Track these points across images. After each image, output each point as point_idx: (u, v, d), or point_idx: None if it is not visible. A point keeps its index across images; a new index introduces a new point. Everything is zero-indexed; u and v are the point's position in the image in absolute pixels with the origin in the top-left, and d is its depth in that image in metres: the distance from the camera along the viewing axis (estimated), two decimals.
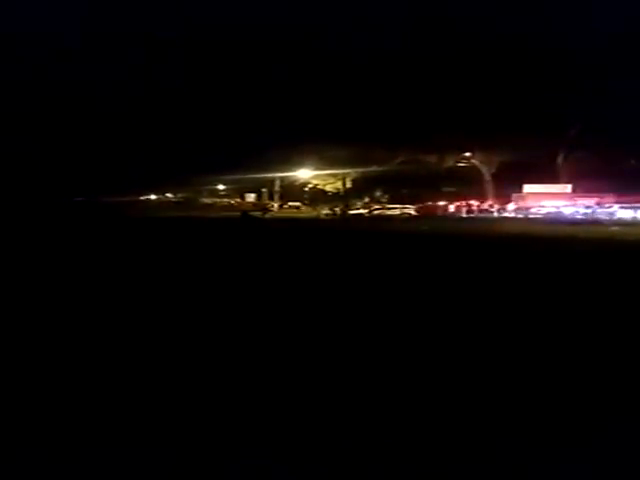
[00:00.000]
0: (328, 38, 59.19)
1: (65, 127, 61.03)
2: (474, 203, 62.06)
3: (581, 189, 59.63)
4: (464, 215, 58.40)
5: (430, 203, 62.97)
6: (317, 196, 73.60)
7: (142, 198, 76.30)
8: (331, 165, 67.50)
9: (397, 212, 60.44)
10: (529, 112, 56.41)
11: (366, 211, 64.21)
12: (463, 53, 57.76)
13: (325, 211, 63.44)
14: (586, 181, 56.96)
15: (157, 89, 60.94)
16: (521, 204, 61.21)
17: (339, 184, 73.79)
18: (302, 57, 59.72)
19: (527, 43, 56.73)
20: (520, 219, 52.77)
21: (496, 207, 61.37)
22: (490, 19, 57.45)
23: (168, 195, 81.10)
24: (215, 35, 59.40)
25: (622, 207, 53.09)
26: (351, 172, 70.44)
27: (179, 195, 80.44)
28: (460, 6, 59.49)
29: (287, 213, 67.23)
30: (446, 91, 57.82)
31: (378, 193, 72.58)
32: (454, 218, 56.39)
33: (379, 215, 59.91)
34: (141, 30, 60.29)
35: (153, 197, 79.55)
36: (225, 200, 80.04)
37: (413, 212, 60.60)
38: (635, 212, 51.15)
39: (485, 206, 61.80)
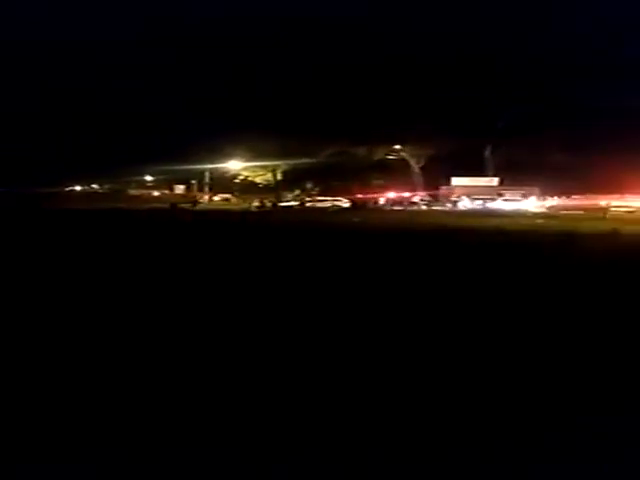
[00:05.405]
0: (258, 29, 58.79)
1: None
2: (404, 195, 63.05)
3: (509, 181, 61.47)
4: (395, 207, 59.11)
5: (360, 195, 63.47)
6: (247, 188, 73.15)
7: (67, 189, 74.06)
8: (261, 157, 67.15)
9: (328, 204, 60.65)
10: (458, 106, 57.56)
11: (297, 203, 64.20)
12: (393, 49, 58.42)
13: (255, 203, 63.04)
14: (514, 174, 58.74)
15: (84, 77, 59.31)
16: (447, 197, 62.84)
17: (269, 176, 73.56)
18: (232, 47, 59.16)
19: (456, 40, 57.94)
20: (446, 211, 53.93)
21: (424, 199, 62.53)
22: (419, 17, 58.43)
23: (94, 186, 79.02)
24: (146, 24, 58.37)
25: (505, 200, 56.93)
26: (281, 164, 70.30)
27: (105, 186, 78.45)
28: (395, 5, 60.34)
29: (217, 205, 66.49)
30: (376, 84, 58.38)
31: (309, 185, 72.71)
32: (384, 210, 57.05)
33: (310, 207, 59.98)
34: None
35: (78, 188, 77.34)
36: (153, 191, 78.61)
37: (344, 204, 60.92)
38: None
39: (415, 199, 62.84)
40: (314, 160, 65.88)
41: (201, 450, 4.13)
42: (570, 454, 4.19)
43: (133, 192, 77.41)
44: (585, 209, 49.88)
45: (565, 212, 48.98)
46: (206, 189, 75.23)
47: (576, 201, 55.19)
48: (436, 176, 63.53)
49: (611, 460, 4.10)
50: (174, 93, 59.90)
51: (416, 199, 62.95)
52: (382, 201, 62.86)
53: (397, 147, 68.67)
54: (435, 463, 4.07)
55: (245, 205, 63.03)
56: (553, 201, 58.01)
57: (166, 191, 77.32)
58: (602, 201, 52.30)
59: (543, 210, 53.61)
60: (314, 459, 4.06)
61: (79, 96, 58.59)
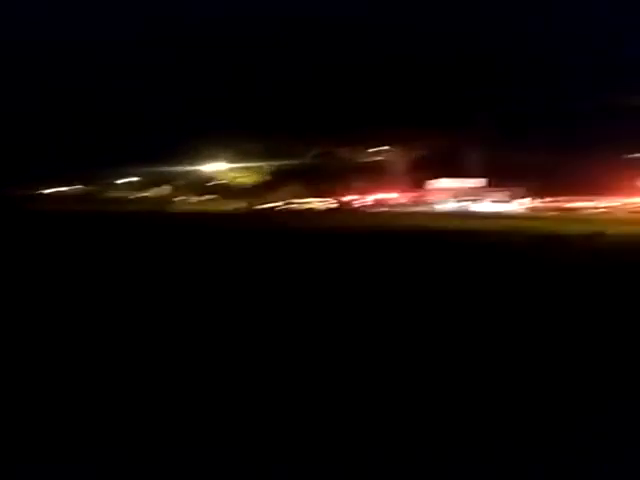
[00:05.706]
0: (242, 30, 58.65)
1: None
2: (390, 196, 63.13)
3: (495, 182, 61.74)
4: (381, 209, 59.08)
5: (345, 197, 63.57)
6: (231, 189, 72.91)
7: (46, 192, 72.96)
8: (245, 158, 67.06)
9: (312, 205, 60.66)
10: (443, 106, 57.78)
11: (281, 204, 64.14)
12: (378, 50, 58.53)
13: (240, 204, 62.95)
14: (502, 174, 59.01)
15: (60, 79, 58.77)
16: (433, 198, 63.09)
17: (254, 177, 73.39)
18: (216, 47, 58.96)
19: (441, 41, 58.12)
20: (431, 213, 53.99)
21: (410, 201, 62.68)
22: (407, 17, 58.52)
23: (71, 188, 77.87)
24: (113, 25, 58.13)
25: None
26: (265, 165, 70.20)
27: (82, 188, 77.23)
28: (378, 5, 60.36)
29: (199, 206, 66.13)
30: (360, 85, 58.50)
31: (293, 186, 72.63)
32: (366, 212, 57.04)
33: (294, 209, 59.90)
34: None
35: (53, 190, 76.05)
36: (133, 193, 77.76)
37: (328, 205, 60.96)
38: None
39: (401, 200, 62.95)
40: (298, 161, 65.92)
41: (201, 450, 4.12)
42: (570, 454, 4.20)
43: (113, 194, 76.40)
44: (570, 210, 50.73)
45: (551, 213, 49.53)
46: (189, 190, 74.87)
47: (562, 203, 55.60)
48: (422, 177, 63.71)
49: (611, 460, 4.13)
50: (159, 94, 59.66)
51: (402, 200, 63.06)
52: (368, 202, 62.92)
53: (383, 148, 68.76)
54: (435, 463, 4.08)
55: (230, 207, 62.95)
56: (539, 203, 58.29)
57: (146, 193, 76.50)
58: (587, 202, 53.15)
59: (526, 211, 54.10)
60: (314, 459, 4.06)
61: (64, 96, 58.14)
